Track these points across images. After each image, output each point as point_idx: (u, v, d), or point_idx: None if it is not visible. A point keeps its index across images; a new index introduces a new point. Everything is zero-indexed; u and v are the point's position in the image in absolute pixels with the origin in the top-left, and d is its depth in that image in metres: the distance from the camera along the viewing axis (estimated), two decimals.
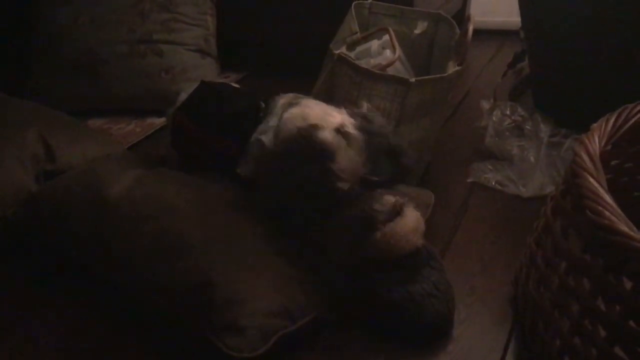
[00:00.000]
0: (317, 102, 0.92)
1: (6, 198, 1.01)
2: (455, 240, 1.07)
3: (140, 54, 1.52)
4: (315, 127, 0.82)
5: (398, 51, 1.12)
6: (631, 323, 0.61)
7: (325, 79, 1.08)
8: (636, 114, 0.81)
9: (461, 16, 1.99)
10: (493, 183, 1.23)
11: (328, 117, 0.84)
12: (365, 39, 1.18)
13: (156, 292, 0.84)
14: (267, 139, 0.90)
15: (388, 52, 1.17)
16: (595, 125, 0.79)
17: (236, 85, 1.11)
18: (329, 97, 1.06)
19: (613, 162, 0.96)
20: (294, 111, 0.89)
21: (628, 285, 0.61)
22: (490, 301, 0.93)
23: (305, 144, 0.81)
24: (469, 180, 1.25)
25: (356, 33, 1.16)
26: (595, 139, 0.75)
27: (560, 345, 0.72)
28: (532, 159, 1.25)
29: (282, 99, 0.96)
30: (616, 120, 0.81)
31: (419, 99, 1.05)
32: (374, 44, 1.19)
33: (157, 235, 0.87)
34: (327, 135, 0.81)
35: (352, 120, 0.85)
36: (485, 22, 1.96)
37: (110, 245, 0.90)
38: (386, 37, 1.17)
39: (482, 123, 1.37)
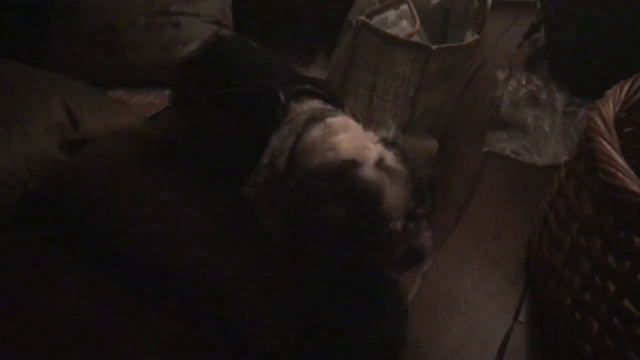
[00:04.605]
0: (345, 122, 0.78)
1: (33, 166, 1.04)
2: (470, 207, 1.10)
3: (158, 26, 1.53)
4: (352, 164, 0.68)
5: (418, 23, 1.13)
6: None
7: (346, 47, 1.09)
8: None
9: None
10: (508, 152, 1.24)
11: (364, 151, 0.70)
12: (383, 9, 1.19)
13: (178, 275, 0.87)
14: (282, 163, 0.76)
15: (405, 23, 1.18)
16: (609, 91, 0.81)
17: (254, 45, 1.00)
18: (350, 65, 1.08)
19: (626, 130, 0.97)
20: (318, 136, 0.76)
21: (637, 241, 0.64)
22: (503, 264, 0.96)
23: (342, 184, 0.68)
24: (484, 149, 1.26)
25: (374, 3, 1.17)
26: (610, 105, 0.77)
27: (571, 302, 0.75)
28: (547, 128, 1.26)
29: (305, 113, 0.80)
30: (630, 87, 0.82)
31: (439, 66, 1.06)
32: (391, 14, 1.19)
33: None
34: (369, 173, 0.68)
35: (389, 152, 0.71)
36: None
37: (132, 225, 0.92)
38: (404, 7, 1.18)
39: (497, 93, 1.38)
